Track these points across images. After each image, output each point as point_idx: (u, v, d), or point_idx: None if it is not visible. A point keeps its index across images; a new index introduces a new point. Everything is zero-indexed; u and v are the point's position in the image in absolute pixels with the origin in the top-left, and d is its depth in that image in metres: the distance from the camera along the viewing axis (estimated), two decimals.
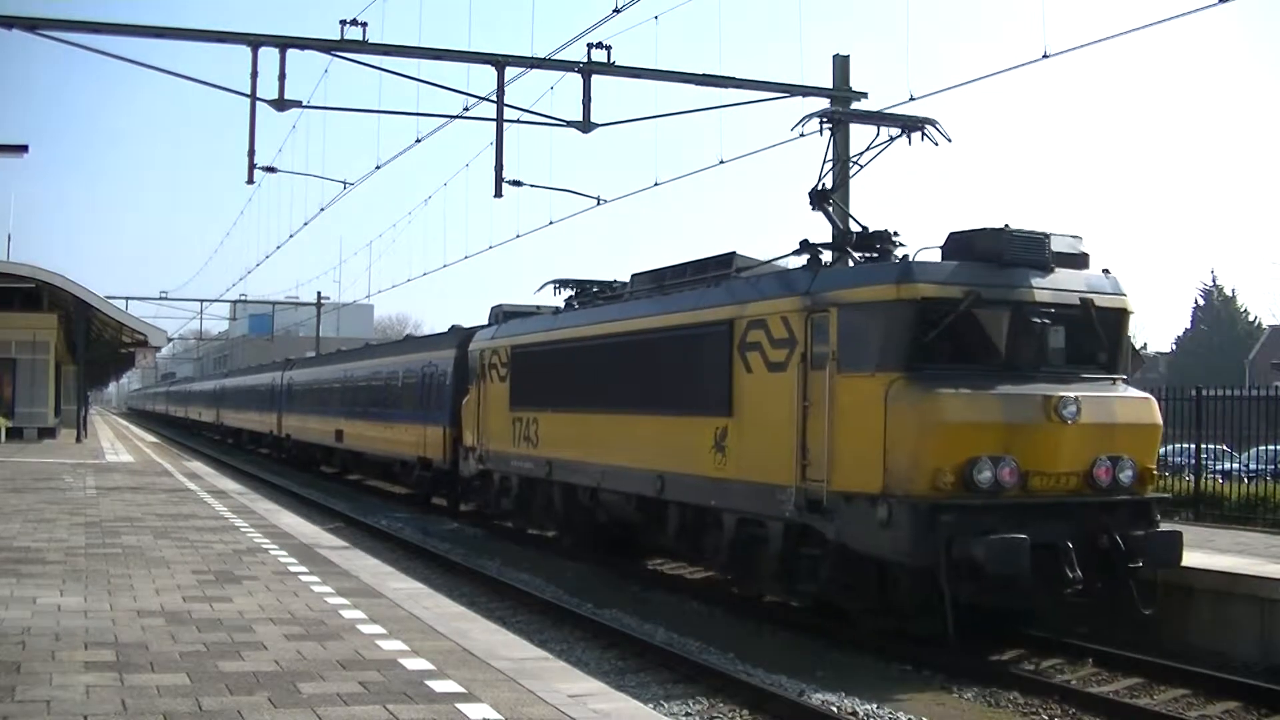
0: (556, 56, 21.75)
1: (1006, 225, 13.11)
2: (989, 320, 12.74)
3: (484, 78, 29.72)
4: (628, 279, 19.98)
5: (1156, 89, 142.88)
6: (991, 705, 11.22)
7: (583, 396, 19.24)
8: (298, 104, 21.36)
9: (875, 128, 15.00)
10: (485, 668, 7.75)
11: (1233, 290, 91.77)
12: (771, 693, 10.87)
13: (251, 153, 22.01)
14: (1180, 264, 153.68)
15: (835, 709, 10.53)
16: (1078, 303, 13.08)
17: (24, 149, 19.24)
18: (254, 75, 20.93)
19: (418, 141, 24.71)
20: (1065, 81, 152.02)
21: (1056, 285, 13.04)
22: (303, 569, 12.02)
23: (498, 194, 22.00)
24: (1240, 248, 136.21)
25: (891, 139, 14.76)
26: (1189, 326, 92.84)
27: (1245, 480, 20.96)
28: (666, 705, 10.59)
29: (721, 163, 21.68)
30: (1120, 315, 13.50)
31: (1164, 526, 13.34)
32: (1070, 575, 12.11)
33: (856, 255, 14.44)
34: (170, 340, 71.05)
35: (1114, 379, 13.49)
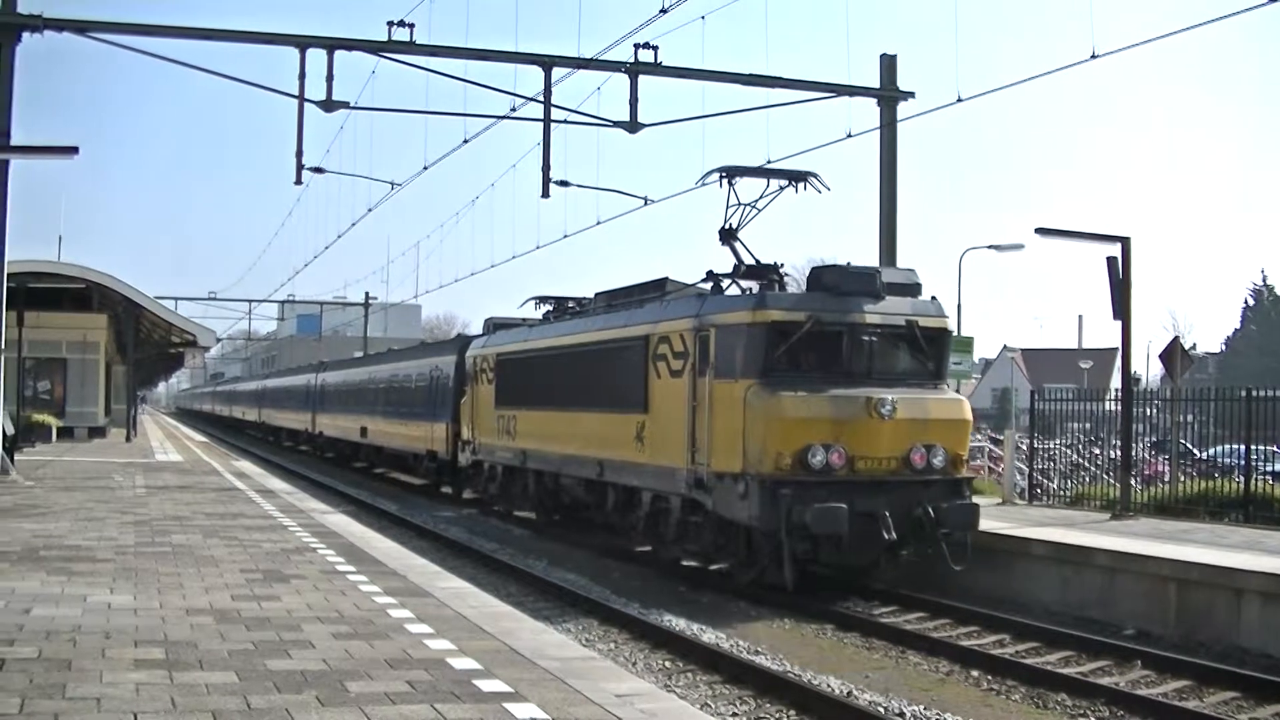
0: (603, 57, 21.82)
1: (849, 263, 16.55)
2: (827, 338, 15.77)
3: (531, 78, 29.68)
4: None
5: (1206, 88, 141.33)
6: (1039, 707, 11.13)
7: (548, 396, 22.49)
8: (345, 105, 21.55)
9: (765, 180, 17.77)
10: (532, 667, 7.75)
11: None
12: (819, 693, 10.81)
13: (300, 153, 22.24)
14: (1230, 264, 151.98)
15: (883, 709, 10.47)
16: (903, 324, 16.06)
17: (74, 150, 19.37)
18: (302, 76, 21.15)
19: (465, 142, 24.89)
20: (1114, 80, 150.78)
21: (884, 310, 16.01)
22: (350, 568, 12.07)
23: (545, 194, 22.14)
24: None
25: (780, 189, 17.52)
26: (1238, 327, 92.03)
27: None
28: (714, 705, 10.57)
29: (769, 163, 21.56)
30: (941, 333, 16.50)
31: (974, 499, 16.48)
32: (887, 537, 15.05)
33: (748, 285, 17.18)
34: (219, 340, 71.60)
35: (936, 384, 16.47)
